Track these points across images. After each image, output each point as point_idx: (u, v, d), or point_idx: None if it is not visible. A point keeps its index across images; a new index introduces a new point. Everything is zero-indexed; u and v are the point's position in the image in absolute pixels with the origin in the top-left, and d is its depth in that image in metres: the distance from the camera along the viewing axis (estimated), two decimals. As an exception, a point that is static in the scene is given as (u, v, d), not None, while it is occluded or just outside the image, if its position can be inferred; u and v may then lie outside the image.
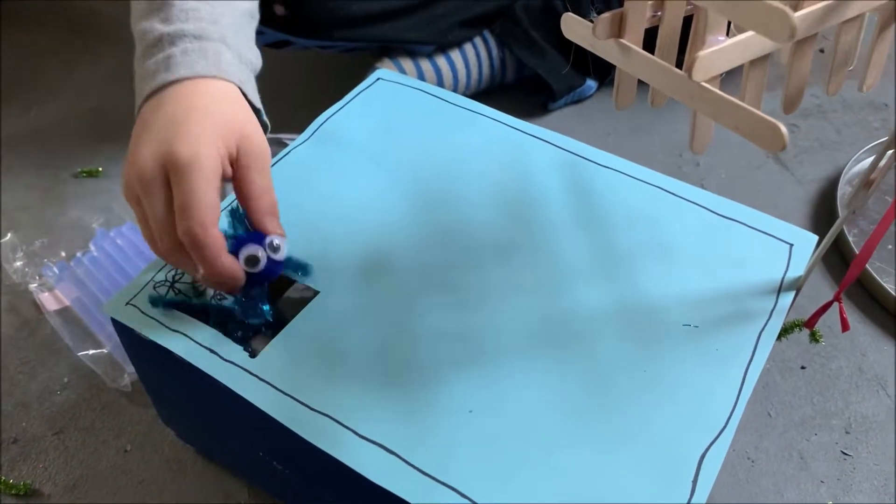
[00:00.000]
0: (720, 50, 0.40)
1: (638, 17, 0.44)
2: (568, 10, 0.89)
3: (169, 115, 0.48)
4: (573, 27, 0.46)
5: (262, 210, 0.49)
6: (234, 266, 0.47)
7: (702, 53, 0.40)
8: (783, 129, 0.38)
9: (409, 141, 0.62)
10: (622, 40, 0.45)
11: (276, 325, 0.51)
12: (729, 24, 0.43)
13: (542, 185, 0.59)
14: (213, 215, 0.45)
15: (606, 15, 0.44)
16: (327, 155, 0.61)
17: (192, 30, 0.52)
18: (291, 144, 0.62)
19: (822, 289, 0.77)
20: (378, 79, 0.68)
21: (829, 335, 0.73)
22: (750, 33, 0.41)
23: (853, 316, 0.75)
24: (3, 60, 1.06)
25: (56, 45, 1.09)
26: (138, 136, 0.49)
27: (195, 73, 0.50)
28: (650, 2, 0.44)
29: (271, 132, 0.90)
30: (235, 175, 0.49)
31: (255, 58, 0.56)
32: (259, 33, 0.83)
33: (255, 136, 0.50)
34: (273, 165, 0.60)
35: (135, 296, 0.52)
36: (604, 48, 0.46)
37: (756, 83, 0.44)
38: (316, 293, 0.52)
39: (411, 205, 0.57)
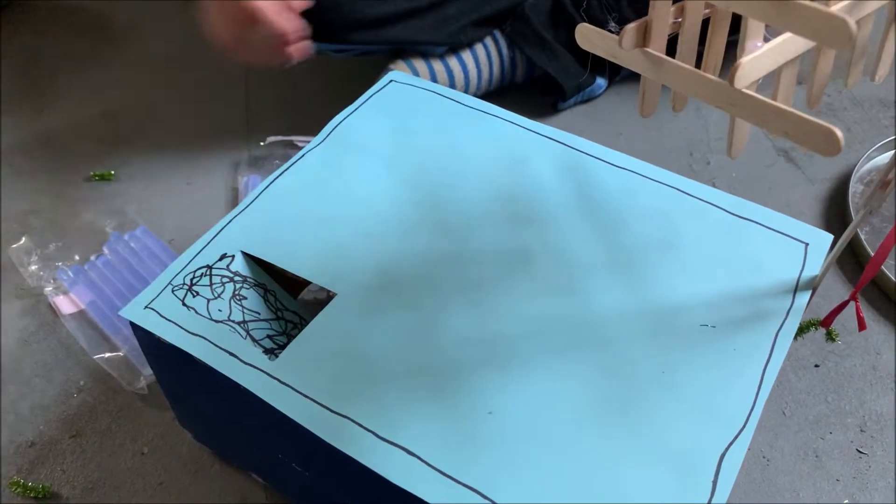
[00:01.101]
0: (760, 55, 0.40)
1: (663, 24, 0.43)
2: (576, 9, 0.89)
3: None
4: (591, 38, 0.46)
5: None
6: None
7: (743, 60, 0.39)
8: (838, 132, 0.38)
9: (422, 143, 0.63)
10: (648, 49, 0.44)
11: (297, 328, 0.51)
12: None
13: (557, 186, 0.59)
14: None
15: (632, 25, 0.43)
16: (341, 157, 0.62)
17: None
18: (305, 147, 0.62)
19: (834, 287, 0.77)
20: (391, 81, 0.69)
21: (843, 333, 0.73)
22: (785, 36, 0.40)
23: (867, 314, 0.74)
24: (13, 64, 1.07)
25: (65, 48, 1.10)
26: None
27: None
28: (672, 8, 0.44)
29: (284, 135, 0.91)
30: None
31: None
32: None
33: None
34: (287, 169, 0.61)
35: (153, 299, 0.52)
36: (627, 58, 0.45)
37: (788, 83, 0.44)
38: (333, 295, 0.52)
39: (425, 206, 0.58)
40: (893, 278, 0.74)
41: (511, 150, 0.62)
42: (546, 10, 0.91)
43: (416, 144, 0.63)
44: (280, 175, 0.60)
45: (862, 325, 0.52)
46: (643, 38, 0.44)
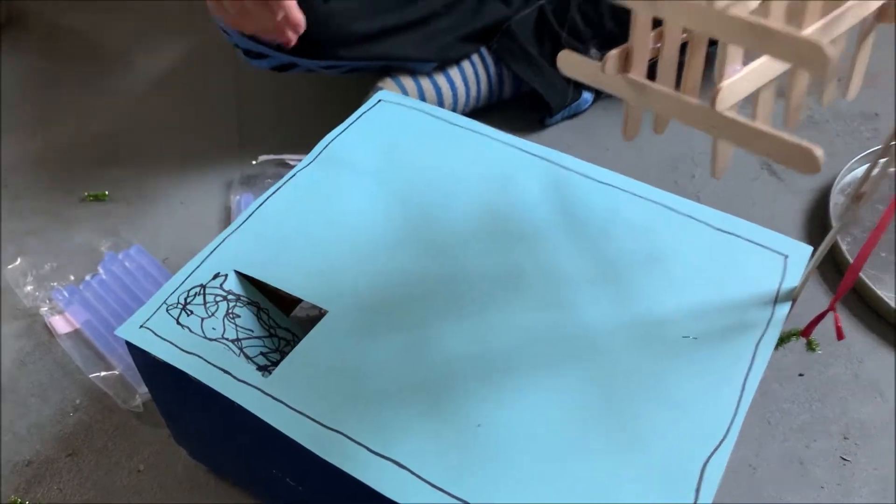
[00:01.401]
0: (738, 79, 0.41)
1: (644, 50, 0.44)
2: (560, 26, 0.91)
3: None
4: (573, 65, 0.46)
5: None
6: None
7: (724, 84, 0.41)
8: (817, 151, 0.39)
9: (411, 161, 0.64)
10: (630, 75, 0.45)
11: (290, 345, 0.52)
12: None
13: (544, 203, 0.60)
14: None
15: (614, 52, 0.44)
16: (332, 177, 0.63)
17: None
18: (296, 167, 0.64)
19: (818, 296, 0.78)
20: (379, 100, 0.70)
21: (826, 343, 0.74)
22: (763, 59, 0.42)
23: (849, 323, 0.76)
24: (8, 87, 1.08)
25: (60, 72, 1.11)
26: None
27: None
28: (651, 34, 0.45)
29: (275, 154, 0.92)
30: None
31: None
32: (264, 56, 0.85)
33: None
34: (278, 189, 0.62)
35: (148, 319, 0.53)
36: (610, 83, 0.46)
37: (766, 103, 0.45)
38: (324, 313, 0.53)
39: (415, 225, 0.59)
40: (874, 288, 0.76)
41: (499, 168, 0.63)
42: (531, 26, 0.93)
43: (405, 163, 0.64)
44: (271, 195, 0.61)
45: (839, 335, 0.54)
46: (624, 64, 0.45)
